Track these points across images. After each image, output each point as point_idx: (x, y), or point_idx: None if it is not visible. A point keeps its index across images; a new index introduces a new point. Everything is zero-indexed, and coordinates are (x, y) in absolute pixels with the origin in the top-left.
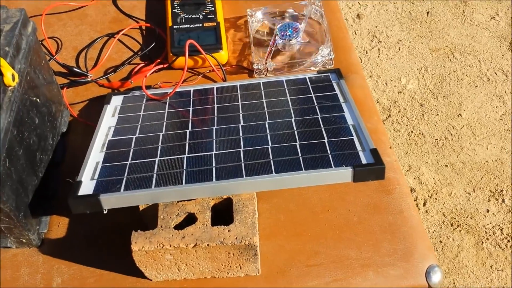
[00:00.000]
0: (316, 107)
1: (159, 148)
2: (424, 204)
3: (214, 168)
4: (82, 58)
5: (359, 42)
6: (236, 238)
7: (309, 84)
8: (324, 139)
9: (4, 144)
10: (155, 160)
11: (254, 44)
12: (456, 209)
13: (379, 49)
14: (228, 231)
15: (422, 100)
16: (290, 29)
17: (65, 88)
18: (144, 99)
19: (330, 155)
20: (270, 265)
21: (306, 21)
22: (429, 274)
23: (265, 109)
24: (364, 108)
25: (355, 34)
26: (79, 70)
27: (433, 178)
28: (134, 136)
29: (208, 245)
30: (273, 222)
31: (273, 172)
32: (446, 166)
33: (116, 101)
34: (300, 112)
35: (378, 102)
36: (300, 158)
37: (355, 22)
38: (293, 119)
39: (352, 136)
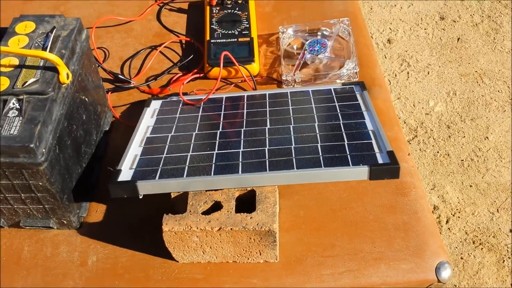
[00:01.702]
0: (339, 114)
1: (192, 145)
2: (447, 222)
3: (240, 163)
4: (127, 67)
5: (389, 65)
6: (257, 224)
7: (334, 94)
8: (344, 142)
9: (56, 132)
10: (187, 155)
11: (284, 58)
12: (479, 228)
13: (408, 73)
14: (250, 218)
15: (449, 122)
16: (318, 44)
17: (110, 92)
18: (181, 104)
19: (349, 155)
20: (288, 254)
21: (334, 38)
22: (439, 270)
23: (291, 115)
24: (386, 118)
25: (385, 57)
26: (123, 77)
27: (457, 197)
28: (170, 134)
29: (231, 229)
30: (293, 217)
31: (295, 168)
32: (470, 186)
33: (155, 104)
34: (323, 118)
35: (405, 122)
36: (321, 157)
37: (385, 46)
38: (316, 124)
39: (371, 139)
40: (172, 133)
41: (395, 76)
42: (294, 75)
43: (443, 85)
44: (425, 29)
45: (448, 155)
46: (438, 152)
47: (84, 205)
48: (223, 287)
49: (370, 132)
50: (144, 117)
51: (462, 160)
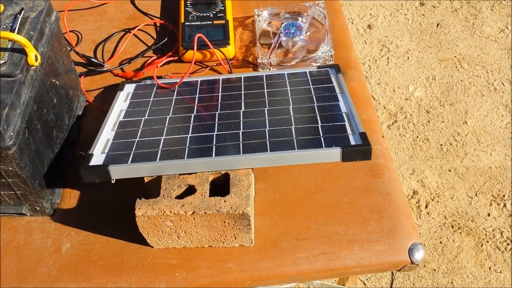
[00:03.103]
0: (314, 96)
1: (165, 128)
2: (426, 206)
3: (214, 146)
4: (100, 50)
5: (369, 51)
6: (231, 207)
7: (309, 77)
8: (318, 124)
9: (25, 115)
10: (160, 139)
11: (260, 40)
12: (458, 212)
13: (388, 58)
14: (224, 201)
15: (428, 107)
16: (293, 27)
17: (83, 76)
18: (155, 87)
19: (322, 137)
20: (263, 238)
21: (309, 21)
22: (412, 251)
23: (266, 98)
24: (360, 100)
25: (365, 43)
26: (96, 61)
27: (436, 182)
28: (143, 118)
29: (205, 212)
30: (269, 201)
31: (268, 150)
32: (449, 170)
33: (129, 88)
34: (298, 100)
35: (385, 108)
36: (294, 139)
37: (366, 32)
38: (290, 107)
39: (344, 121)
40: (146, 117)
41: (375, 61)
42: (269, 58)
43: (422, 70)
44: (405, 14)
45: (427, 139)
46: (417, 137)
47: (57, 191)
48: (198, 272)
49: (344, 114)
50: (117, 101)
51: (441, 145)
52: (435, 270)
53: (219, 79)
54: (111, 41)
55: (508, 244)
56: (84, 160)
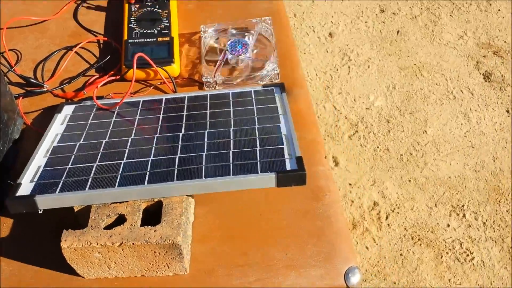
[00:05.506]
0: (256, 118)
1: (100, 154)
2: (387, 218)
3: (148, 173)
4: (40, 70)
5: (330, 60)
6: (160, 237)
7: (253, 96)
8: (257, 148)
9: None
10: (93, 165)
11: (206, 58)
12: (418, 223)
13: (349, 67)
14: (154, 231)
15: (389, 117)
16: (239, 45)
17: (21, 97)
18: (94, 109)
19: (258, 162)
20: (199, 266)
21: (256, 38)
22: (348, 275)
23: (208, 119)
24: (306, 120)
25: (327, 52)
26: (35, 81)
27: (397, 193)
28: (78, 143)
29: (133, 243)
30: (208, 226)
31: (203, 177)
32: (409, 181)
33: (67, 110)
34: (240, 122)
35: (346, 118)
36: (231, 164)
37: (327, 40)
38: (231, 129)
39: (283, 145)
40: (81, 142)
41: (337, 70)
42: (214, 76)
43: (383, 79)
44: (365, 22)
45: (388, 150)
46: (378, 147)
47: None
48: None
49: (283, 137)
50: (53, 125)
51: (401, 155)
52: (395, 283)
53: (162, 99)
54: (52, 60)
55: (467, 255)
56: (11, 190)
